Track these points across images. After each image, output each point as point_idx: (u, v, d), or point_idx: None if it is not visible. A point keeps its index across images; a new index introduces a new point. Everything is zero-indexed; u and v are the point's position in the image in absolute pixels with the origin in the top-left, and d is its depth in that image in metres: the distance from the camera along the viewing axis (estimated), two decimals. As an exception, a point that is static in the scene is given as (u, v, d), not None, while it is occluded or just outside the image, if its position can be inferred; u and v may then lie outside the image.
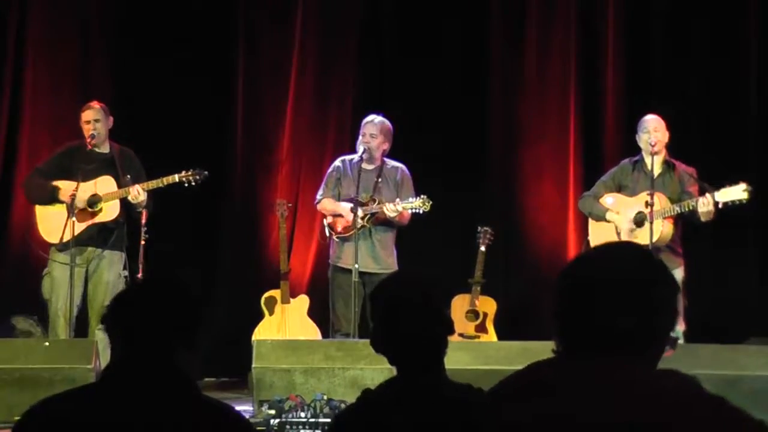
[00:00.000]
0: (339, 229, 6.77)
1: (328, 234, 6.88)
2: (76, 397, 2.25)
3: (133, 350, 2.24)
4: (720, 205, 6.07)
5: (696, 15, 7.76)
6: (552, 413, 1.74)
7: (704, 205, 6.08)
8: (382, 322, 2.58)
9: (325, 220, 6.92)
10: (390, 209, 6.59)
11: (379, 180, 6.77)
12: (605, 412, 1.71)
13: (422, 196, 6.58)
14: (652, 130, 6.38)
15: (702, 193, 6.17)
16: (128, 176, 6.51)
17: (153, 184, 6.46)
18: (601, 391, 1.74)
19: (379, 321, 2.60)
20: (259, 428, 5.11)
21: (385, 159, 6.86)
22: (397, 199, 6.64)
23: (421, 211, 6.57)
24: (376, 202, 6.69)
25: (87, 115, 6.55)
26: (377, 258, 6.72)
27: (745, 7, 7.69)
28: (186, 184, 6.51)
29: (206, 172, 6.54)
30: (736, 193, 6.05)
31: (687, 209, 6.19)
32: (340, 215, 6.77)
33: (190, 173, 6.50)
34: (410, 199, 6.62)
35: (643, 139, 6.41)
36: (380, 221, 6.70)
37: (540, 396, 1.78)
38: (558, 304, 1.89)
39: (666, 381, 1.76)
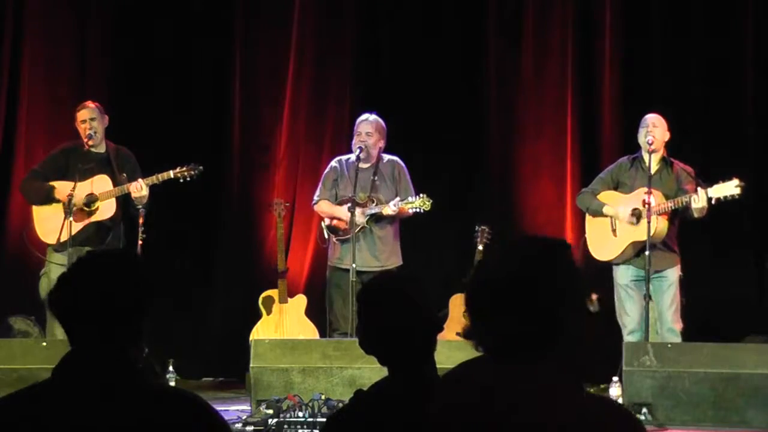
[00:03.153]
0: (339, 231, 6.75)
1: (327, 236, 6.86)
2: (28, 397, 2.12)
3: (84, 340, 2.11)
4: (713, 201, 6.09)
5: (695, 11, 7.75)
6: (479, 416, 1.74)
7: (697, 201, 6.10)
8: (366, 322, 2.57)
9: (323, 222, 6.90)
10: (389, 209, 6.58)
11: (376, 178, 6.75)
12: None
13: (421, 195, 6.57)
14: (651, 127, 6.39)
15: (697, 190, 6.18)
16: (124, 174, 6.50)
17: (148, 180, 6.43)
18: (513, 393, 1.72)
19: (363, 321, 2.59)
20: (257, 428, 5.11)
21: (381, 155, 6.85)
22: (397, 198, 6.63)
23: (421, 210, 6.57)
24: (375, 202, 6.68)
25: (82, 114, 6.54)
26: (378, 256, 6.70)
27: (744, 3, 7.68)
28: (181, 180, 6.50)
29: (201, 167, 6.54)
30: (729, 188, 6.08)
31: (681, 205, 6.22)
32: (339, 218, 6.76)
33: (185, 169, 6.49)
34: (409, 198, 6.61)
35: (642, 136, 6.42)
36: (380, 217, 6.70)
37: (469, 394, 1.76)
38: (466, 306, 1.83)
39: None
